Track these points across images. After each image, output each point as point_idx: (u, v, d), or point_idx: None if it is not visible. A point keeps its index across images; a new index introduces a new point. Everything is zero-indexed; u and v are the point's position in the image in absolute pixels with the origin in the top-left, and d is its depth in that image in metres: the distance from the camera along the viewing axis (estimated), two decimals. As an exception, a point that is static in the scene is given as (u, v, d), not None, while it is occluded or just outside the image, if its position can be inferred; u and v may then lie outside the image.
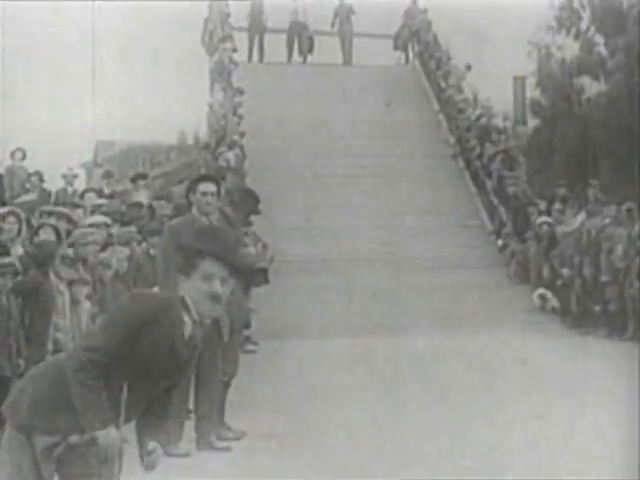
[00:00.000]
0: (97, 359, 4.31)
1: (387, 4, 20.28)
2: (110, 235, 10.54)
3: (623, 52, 18.25)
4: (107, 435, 4.32)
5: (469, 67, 19.72)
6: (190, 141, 19.55)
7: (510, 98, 19.92)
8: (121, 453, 4.42)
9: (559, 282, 15.20)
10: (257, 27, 20.12)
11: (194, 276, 4.43)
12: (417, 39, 21.01)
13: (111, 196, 14.63)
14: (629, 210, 14.61)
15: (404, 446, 8.36)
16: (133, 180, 15.22)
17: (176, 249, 4.61)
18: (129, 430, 4.57)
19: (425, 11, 20.77)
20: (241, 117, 18.22)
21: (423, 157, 18.71)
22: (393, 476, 7.64)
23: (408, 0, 20.93)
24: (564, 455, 8.12)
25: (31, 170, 15.60)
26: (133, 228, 11.37)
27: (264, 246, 13.63)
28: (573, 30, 19.07)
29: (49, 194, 15.41)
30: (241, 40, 19.78)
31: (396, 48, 21.09)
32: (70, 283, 9.19)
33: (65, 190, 15.76)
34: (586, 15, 19.06)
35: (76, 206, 12.46)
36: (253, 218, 10.42)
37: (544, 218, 16.21)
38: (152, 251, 10.45)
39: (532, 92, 19.75)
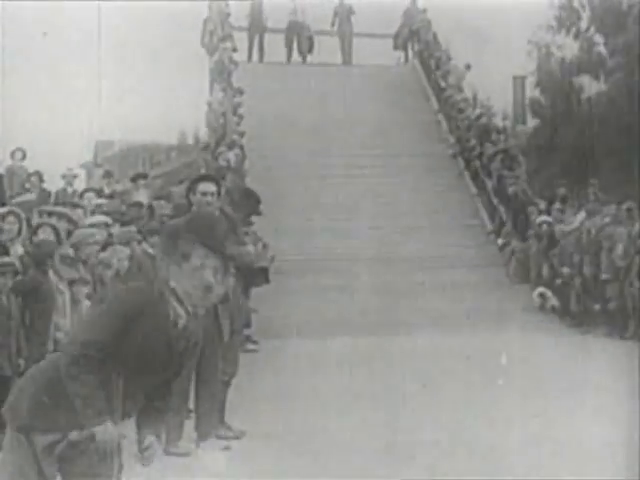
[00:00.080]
0: (90, 353, 4.30)
1: (387, 4, 20.27)
2: (110, 235, 10.53)
3: (623, 51, 18.25)
4: (105, 430, 4.31)
5: (469, 67, 19.71)
6: (190, 141, 19.53)
7: (510, 98, 19.91)
8: (120, 449, 4.40)
9: (559, 281, 15.21)
10: (257, 27, 20.10)
11: (185, 266, 4.43)
12: (417, 39, 21.00)
13: (111, 196, 14.63)
14: (629, 210, 14.62)
15: (404, 446, 8.36)
16: (133, 180, 15.22)
17: (167, 239, 4.59)
18: (131, 427, 4.57)
19: (424, 11, 20.76)
20: (241, 117, 18.23)
21: (423, 157, 18.70)
22: (393, 476, 7.65)
23: (407, 0, 20.93)
24: (564, 455, 8.12)
25: (31, 170, 15.61)
26: (133, 228, 11.37)
27: (264, 246, 13.64)
28: (573, 30, 19.07)
29: (48, 194, 15.41)
30: (241, 40, 19.77)
31: (396, 48, 21.07)
32: (71, 283, 9.19)
33: (65, 190, 15.75)
34: (586, 15, 19.06)
35: (76, 206, 12.46)
36: (254, 218, 10.42)
37: (544, 218, 16.22)
38: (150, 250, 10.44)
39: (532, 91, 19.74)
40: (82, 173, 18.01)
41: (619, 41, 18.40)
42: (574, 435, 8.67)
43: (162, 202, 13.94)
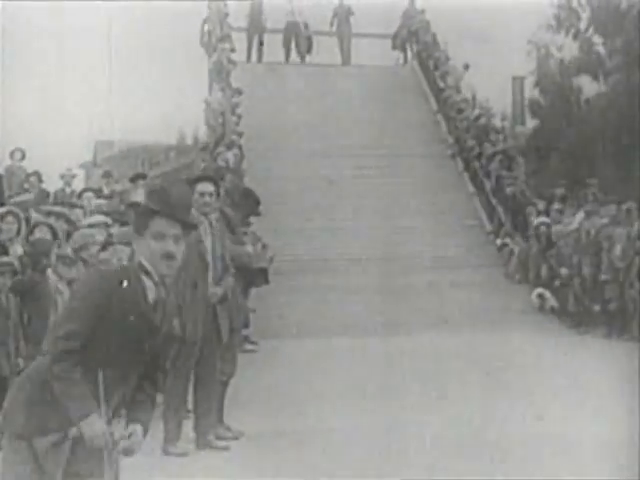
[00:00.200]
0: (70, 347, 4.29)
1: (385, 4, 20.25)
2: (110, 235, 10.53)
3: (622, 52, 18.24)
4: (91, 424, 4.28)
5: (467, 66, 19.71)
6: (189, 141, 19.52)
7: (509, 98, 19.90)
8: (112, 444, 4.36)
9: (557, 282, 15.21)
10: (256, 27, 20.09)
11: (146, 235, 4.45)
12: (415, 39, 21.00)
13: (110, 196, 14.62)
14: (628, 210, 14.61)
15: (404, 446, 8.35)
16: (132, 180, 15.19)
17: (128, 209, 4.70)
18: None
19: (423, 11, 20.76)
20: (240, 117, 18.22)
21: (422, 157, 18.69)
22: (393, 476, 7.64)
23: (406, 0, 20.92)
24: (564, 455, 8.12)
25: (30, 170, 15.59)
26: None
27: (264, 246, 13.64)
28: (572, 30, 19.06)
29: (47, 194, 15.39)
30: (240, 40, 19.76)
31: (394, 48, 21.07)
32: (70, 282, 9.18)
33: (63, 190, 15.74)
34: (585, 15, 19.05)
35: (74, 206, 12.46)
36: (253, 219, 10.42)
37: (542, 219, 16.21)
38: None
39: (531, 92, 19.73)
40: (81, 173, 18.01)
41: (618, 42, 18.39)
42: (573, 435, 8.66)
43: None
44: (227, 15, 19.62)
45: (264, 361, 12.23)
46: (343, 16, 20.58)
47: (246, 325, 12.41)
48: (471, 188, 18.39)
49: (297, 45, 20.33)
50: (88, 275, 4.89)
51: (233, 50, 19.36)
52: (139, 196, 14.33)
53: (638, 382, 9.98)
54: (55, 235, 9.71)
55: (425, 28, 20.75)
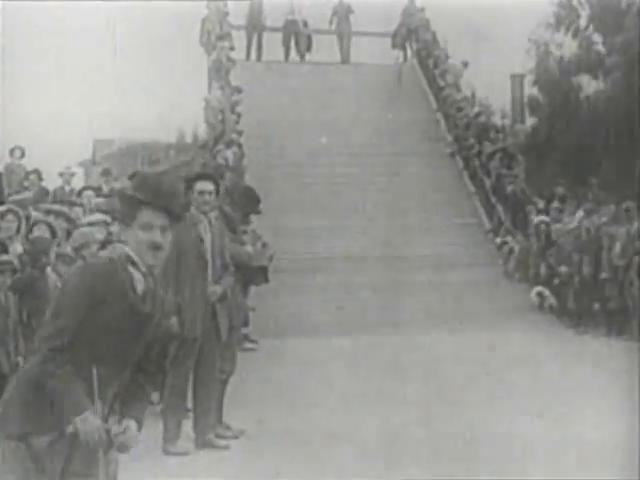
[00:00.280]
0: (60, 344, 4.28)
1: (385, 3, 20.26)
2: (110, 233, 10.52)
3: (621, 50, 18.23)
4: (85, 420, 4.27)
5: (466, 64, 19.71)
6: (189, 139, 19.52)
7: (508, 96, 19.90)
8: (107, 442, 4.34)
9: (557, 280, 15.21)
10: (255, 26, 20.09)
11: (134, 226, 4.44)
12: (415, 37, 20.99)
13: (110, 194, 14.60)
14: (628, 209, 14.61)
15: (404, 445, 8.35)
16: (131, 178, 15.18)
17: (118, 198, 4.64)
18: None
19: (423, 10, 20.75)
20: (239, 115, 18.23)
21: (421, 156, 18.69)
22: (393, 476, 7.64)
23: (406, -1, 20.94)
24: (563, 455, 8.12)
25: (29, 168, 15.59)
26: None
27: (264, 245, 13.64)
28: (572, 28, 19.05)
29: (46, 192, 15.38)
30: (239, 39, 19.77)
31: (394, 46, 21.07)
32: (69, 281, 9.16)
33: (62, 188, 15.73)
34: (585, 13, 19.05)
35: (73, 204, 12.45)
36: (253, 217, 10.41)
37: (541, 217, 16.22)
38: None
39: (530, 90, 19.73)
40: (80, 171, 18.02)
41: (618, 40, 18.38)
42: (573, 435, 8.66)
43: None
44: (227, 14, 19.63)
45: (264, 360, 12.23)
46: (343, 14, 20.58)
47: (246, 324, 12.40)
48: (470, 186, 18.40)
49: (297, 43, 20.33)
50: (73, 271, 4.86)
51: (232, 48, 19.36)
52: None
53: (638, 381, 9.98)
54: (54, 233, 9.70)
55: (425, 26, 20.74)
